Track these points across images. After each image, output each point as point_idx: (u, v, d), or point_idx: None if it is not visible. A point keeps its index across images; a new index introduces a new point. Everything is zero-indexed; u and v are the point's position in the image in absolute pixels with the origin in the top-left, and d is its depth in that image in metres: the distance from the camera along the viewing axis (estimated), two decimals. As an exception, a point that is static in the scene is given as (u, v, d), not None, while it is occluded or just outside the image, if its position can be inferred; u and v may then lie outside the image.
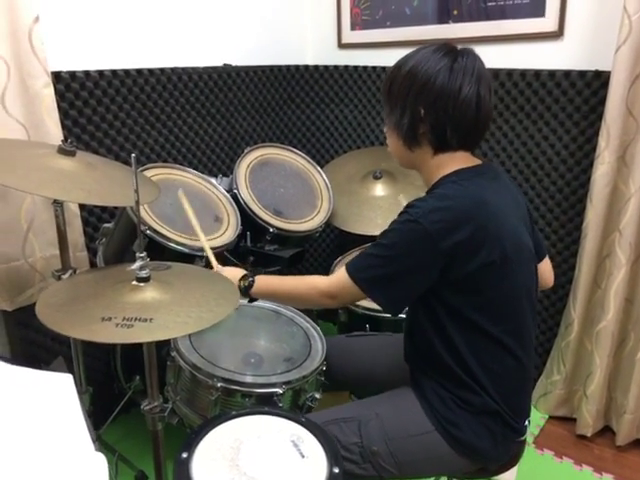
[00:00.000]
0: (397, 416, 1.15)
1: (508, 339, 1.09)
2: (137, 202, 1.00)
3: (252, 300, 1.31)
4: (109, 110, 1.82)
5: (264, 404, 1.24)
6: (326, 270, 1.97)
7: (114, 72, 1.80)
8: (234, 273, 1.30)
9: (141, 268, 1.04)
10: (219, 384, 1.23)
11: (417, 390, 1.18)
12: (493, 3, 2.01)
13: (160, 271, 1.14)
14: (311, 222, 1.87)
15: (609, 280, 1.85)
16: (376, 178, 2.11)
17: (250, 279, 1.27)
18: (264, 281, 1.27)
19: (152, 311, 0.98)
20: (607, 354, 1.89)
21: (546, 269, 1.33)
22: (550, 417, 2.10)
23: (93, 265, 1.75)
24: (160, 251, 1.47)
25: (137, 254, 1.04)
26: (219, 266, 1.38)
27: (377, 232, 1.99)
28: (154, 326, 0.94)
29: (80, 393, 1.13)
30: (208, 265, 1.41)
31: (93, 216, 1.81)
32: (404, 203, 1.89)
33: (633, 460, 1.89)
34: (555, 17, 1.88)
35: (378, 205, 2.04)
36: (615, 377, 1.95)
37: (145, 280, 1.05)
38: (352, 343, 1.49)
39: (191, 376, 1.29)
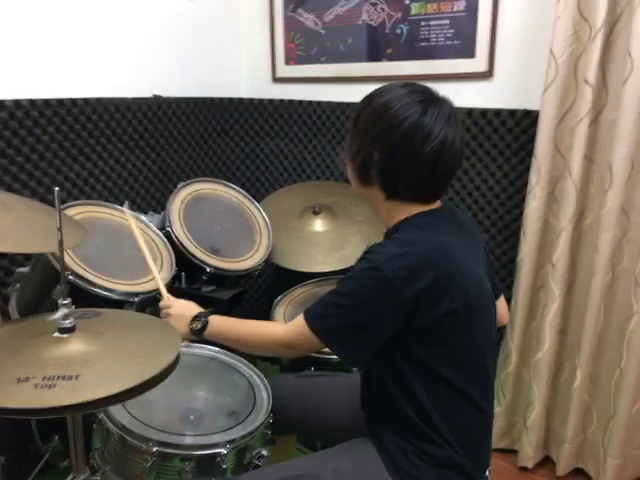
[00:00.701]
0: (355, 471, 1.08)
1: (471, 389, 1.06)
2: (60, 242, 0.88)
3: (203, 342, 1.22)
4: (25, 142, 1.66)
5: (206, 467, 1.12)
6: (266, 310, 1.88)
7: (32, 102, 1.66)
8: (186, 310, 1.22)
9: (64, 317, 0.92)
10: (155, 448, 1.09)
11: (376, 442, 1.11)
12: (426, 43, 2.06)
13: (87, 319, 1.01)
14: (250, 260, 1.79)
15: (544, 312, 1.89)
16: (315, 213, 2.07)
17: (204, 320, 1.18)
18: (218, 323, 1.19)
19: (78, 366, 0.86)
20: (545, 384, 1.92)
21: (501, 307, 1.31)
22: (493, 449, 2.09)
23: (4, 314, 1.56)
24: (85, 298, 1.33)
25: (60, 301, 0.91)
26: (171, 297, 1.28)
27: (319, 269, 1.98)
28: (80, 384, 0.82)
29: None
30: (153, 301, 1.31)
31: (5, 259, 1.63)
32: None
33: (573, 490, 1.92)
34: (485, 58, 1.95)
35: (319, 241, 1.99)
36: (553, 407, 1.98)
37: (69, 331, 0.92)
38: (301, 384, 1.40)
39: (121, 440, 1.15)
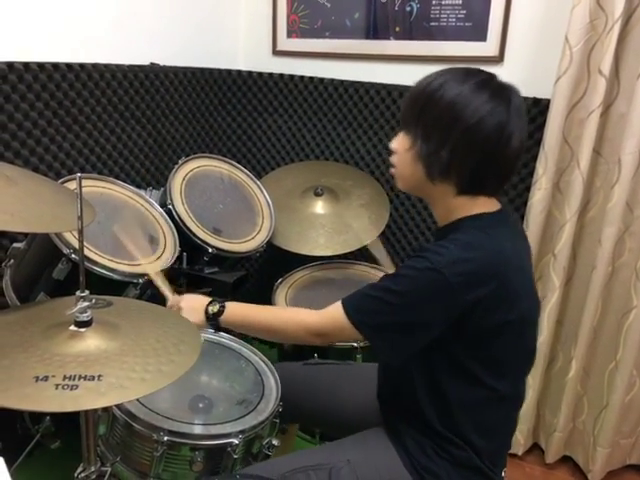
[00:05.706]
0: (371, 463, 1.06)
1: (513, 395, 1.04)
2: (80, 232, 0.82)
3: (219, 329, 1.16)
4: (18, 109, 1.56)
5: (216, 456, 1.10)
6: (267, 292, 1.83)
7: (26, 65, 1.55)
8: (196, 301, 1.16)
9: (83, 310, 0.86)
10: (165, 438, 1.06)
11: (392, 434, 1.09)
12: (436, 24, 2.00)
13: (100, 309, 0.96)
14: (253, 242, 1.74)
15: (543, 302, 1.89)
16: (317, 195, 2.01)
17: (220, 305, 1.13)
18: (237, 308, 1.14)
19: (99, 365, 0.81)
20: (539, 374, 1.93)
21: None
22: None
23: (-1, 291, 1.48)
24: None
25: (78, 293, 0.86)
26: (175, 296, 1.23)
27: (321, 253, 1.93)
28: (105, 386, 0.77)
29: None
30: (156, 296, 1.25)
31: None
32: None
33: (561, 477, 1.96)
34: (496, 42, 1.90)
35: (320, 224, 1.95)
36: (545, 396, 2.00)
37: (86, 324, 0.87)
38: (309, 373, 1.36)
39: (128, 427, 1.11)
